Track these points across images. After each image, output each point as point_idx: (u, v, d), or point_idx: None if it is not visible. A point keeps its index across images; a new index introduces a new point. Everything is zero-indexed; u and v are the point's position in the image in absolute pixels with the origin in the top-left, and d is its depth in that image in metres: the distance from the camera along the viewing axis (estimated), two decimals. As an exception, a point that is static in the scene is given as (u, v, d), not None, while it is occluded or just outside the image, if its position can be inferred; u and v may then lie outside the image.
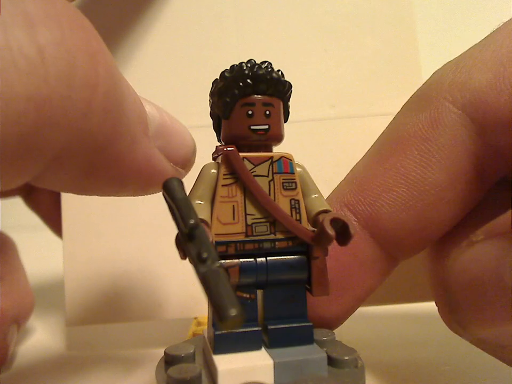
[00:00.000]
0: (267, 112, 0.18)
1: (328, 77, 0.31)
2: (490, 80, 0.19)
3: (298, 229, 0.18)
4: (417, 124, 0.20)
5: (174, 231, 0.16)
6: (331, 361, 0.17)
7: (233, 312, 0.13)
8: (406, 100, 0.22)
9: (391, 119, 0.22)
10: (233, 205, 0.18)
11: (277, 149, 0.19)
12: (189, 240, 0.15)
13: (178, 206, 0.15)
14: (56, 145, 0.13)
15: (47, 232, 0.37)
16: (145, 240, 0.29)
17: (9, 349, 0.25)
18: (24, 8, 0.12)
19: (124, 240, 0.29)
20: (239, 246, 0.18)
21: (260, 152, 0.18)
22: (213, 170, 0.18)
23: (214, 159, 0.19)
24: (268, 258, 0.18)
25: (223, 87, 0.18)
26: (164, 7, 0.32)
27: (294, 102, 0.19)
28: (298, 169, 0.19)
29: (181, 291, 0.29)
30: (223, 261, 0.17)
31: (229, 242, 0.17)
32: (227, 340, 0.17)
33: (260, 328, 0.17)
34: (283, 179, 0.18)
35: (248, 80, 0.18)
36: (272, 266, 0.18)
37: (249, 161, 0.18)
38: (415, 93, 0.22)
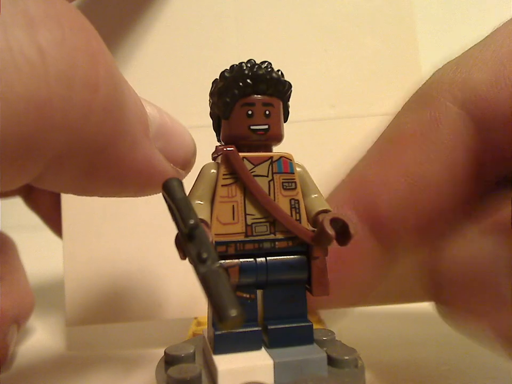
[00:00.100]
0: (267, 112, 0.18)
1: (328, 77, 0.31)
2: (491, 78, 0.19)
3: (298, 229, 0.18)
4: (417, 123, 0.20)
5: (174, 231, 0.16)
6: (331, 361, 0.17)
7: (233, 312, 0.13)
8: (406, 100, 0.22)
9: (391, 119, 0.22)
10: (233, 205, 0.18)
11: (277, 149, 0.19)
12: (188, 240, 0.15)
13: (178, 206, 0.15)
14: (56, 146, 0.13)
15: (47, 232, 0.37)
16: (145, 240, 0.29)
17: (9, 349, 0.25)
18: (24, 8, 0.12)
19: (123, 240, 0.29)
20: (239, 246, 0.18)
21: (259, 152, 0.18)
22: (212, 170, 0.18)
23: (214, 159, 0.19)
24: (268, 258, 0.18)
25: (223, 87, 0.18)
26: (164, 7, 0.32)
27: (294, 102, 0.19)
28: (298, 169, 0.18)
29: (181, 291, 0.29)
30: (223, 261, 0.17)
31: (229, 242, 0.17)
32: (227, 340, 0.17)
33: (259, 328, 0.17)
34: (283, 179, 0.18)
35: (248, 80, 0.18)
36: (272, 266, 0.18)
37: (249, 161, 0.18)
38: (415, 92, 0.22)
